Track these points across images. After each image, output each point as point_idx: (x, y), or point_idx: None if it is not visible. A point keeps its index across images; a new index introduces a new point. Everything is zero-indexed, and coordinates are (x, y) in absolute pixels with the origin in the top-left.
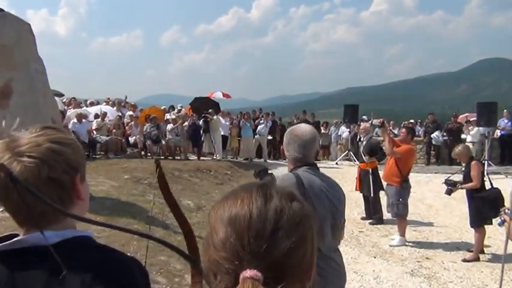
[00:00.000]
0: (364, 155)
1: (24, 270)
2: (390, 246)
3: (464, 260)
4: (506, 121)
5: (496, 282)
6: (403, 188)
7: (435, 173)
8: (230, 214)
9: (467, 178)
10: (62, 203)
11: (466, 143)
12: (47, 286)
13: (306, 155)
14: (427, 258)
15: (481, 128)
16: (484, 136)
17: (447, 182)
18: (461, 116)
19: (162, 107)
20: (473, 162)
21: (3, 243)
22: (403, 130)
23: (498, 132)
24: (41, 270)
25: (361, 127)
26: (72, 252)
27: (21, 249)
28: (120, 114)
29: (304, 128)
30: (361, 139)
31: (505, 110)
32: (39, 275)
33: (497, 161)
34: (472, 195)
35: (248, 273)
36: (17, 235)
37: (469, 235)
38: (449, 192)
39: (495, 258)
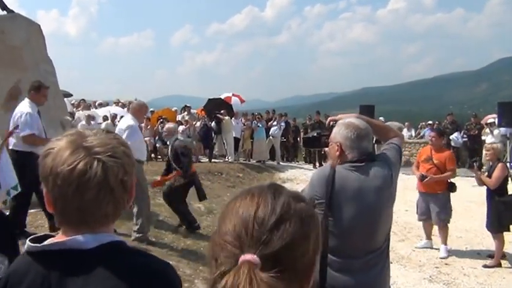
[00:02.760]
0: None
1: (61, 274)
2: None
3: (485, 266)
4: None
5: None
6: (449, 191)
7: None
8: (240, 205)
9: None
10: (123, 204)
11: (486, 145)
12: None
13: (359, 148)
14: (446, 263)
15: (502, 129)
16: (505, 137)
17: (476, 160)
18: (487, 117)
19: (174, 109)
20: (499, 164)
21: (43, 244)
22: (433, 134)
23: None
24: (77, 275)
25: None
26: (109, 257)
27: (59, 250)
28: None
29: (358, 122)
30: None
31: None
32: (76, 281)
33: None
34: (492, 198)
35: (247, 257)
36: (51, 236)
37: (490, 240)
38: (470, 166)
39: None
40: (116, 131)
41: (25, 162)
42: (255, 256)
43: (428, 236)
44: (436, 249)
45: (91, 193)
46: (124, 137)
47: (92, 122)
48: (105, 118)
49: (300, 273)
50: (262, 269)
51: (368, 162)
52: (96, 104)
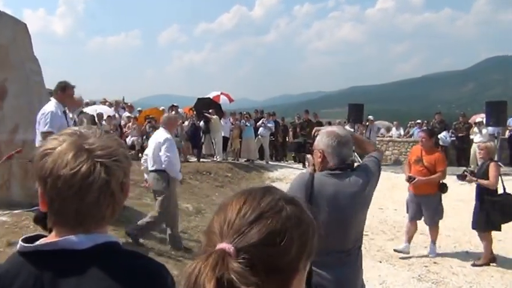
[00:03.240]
0: None
1: (54, 274)
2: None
3: (474, 265)
4: None
5: (507, 287)
6: (440, 192)
7: None
8: (229, 202)
9: (482, 176)
10: (120, 206)
11: (480, 143)
12: None
13: (340, 155)
14: (434, 262)
15: (490, 128)
16: (493, 136)
17: (465, 170)
18: (475, 116)
19: (161, 108)
20: (492, 163)
21: (35, 244)
22: (423, 135)
23: (508, 133)
24: (71, 276)
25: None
26: (103, 257)
27: (52, 251)
28: (116, 115)
29: (338, 130)
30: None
31: None
32: (69, 281)
33: (506, 162)
34: (482, 197)
35: (222, 245)
36: (43, 236)
37: (479, 238)
38: (462, 178)
39: (506, 263)
40: (153, 144)
41: None
42: (230, 245)
43: (410, 239)
44: (421, 248)
45: (92, 196)
46: (163, 149)
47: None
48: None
49: (278, 274)
50: (236, 260)
51: (347, 171)
52: (83, 103)
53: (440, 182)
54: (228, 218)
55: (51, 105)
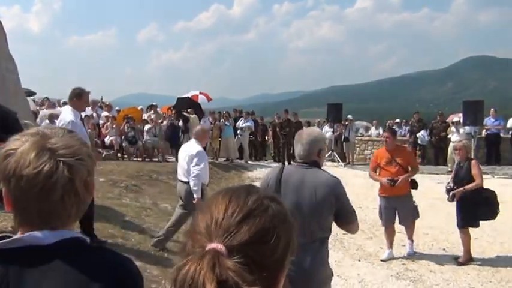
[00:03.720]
0: None
1: (19, 269)
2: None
3: (460, 264)
4: (492, 120)
5: (482, 285)
6: (412, 188)
7: (420, 173)
8: (213, 201)
9: (466, 177)
10: (85, 204)
11: (457, 144)
12: (41, 286)
13: (304, 152)
14: (412, 260)
15: (467, 127)
16: (470, 135)
17: (449, 189)
18: (453, 115)
19: (140, 107)
20: (473, 161)
21: (0, 242)
22: (387, 134)
23: (484, 132)
24: (36, 270)
25: None
26: (69, 252)
27: (17, 248)
28: (94, 114)
29: (306, 130)
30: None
31: (491, 109)
32: (34, 275)
33: (483, 160)
34: (465, 195)
35: (213, 245)
36: (9, 236)
37: (456, 236)
38: (453, 199)
39: (482, 261)
40: (186, 156)
41: None
42: (221, 245)
43: (391, 245)
44: (399, 246)
45: (56, 195)
46: (195, 161)
47: (56, 121)
48: None
49: (268, 271)
50: (229, 259)
51: (313, 167)
52: (61, 102)
53: (410, 179)
54: (214, 218)
55: (69, 114)
